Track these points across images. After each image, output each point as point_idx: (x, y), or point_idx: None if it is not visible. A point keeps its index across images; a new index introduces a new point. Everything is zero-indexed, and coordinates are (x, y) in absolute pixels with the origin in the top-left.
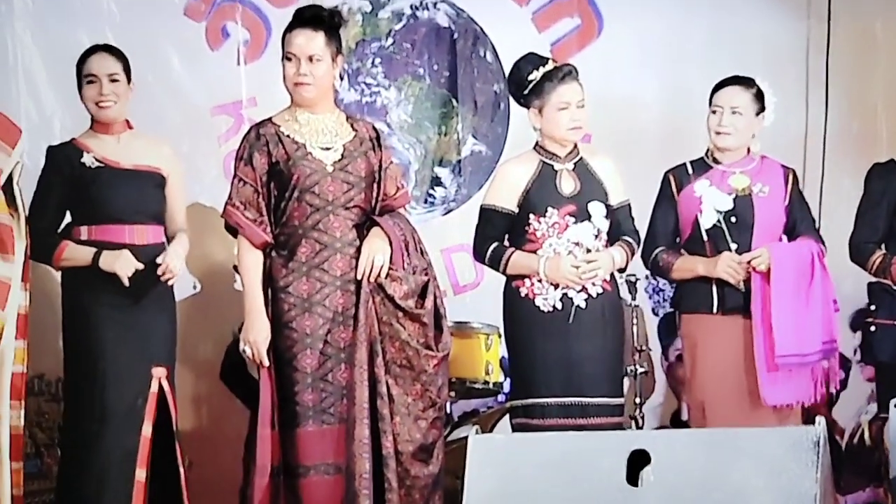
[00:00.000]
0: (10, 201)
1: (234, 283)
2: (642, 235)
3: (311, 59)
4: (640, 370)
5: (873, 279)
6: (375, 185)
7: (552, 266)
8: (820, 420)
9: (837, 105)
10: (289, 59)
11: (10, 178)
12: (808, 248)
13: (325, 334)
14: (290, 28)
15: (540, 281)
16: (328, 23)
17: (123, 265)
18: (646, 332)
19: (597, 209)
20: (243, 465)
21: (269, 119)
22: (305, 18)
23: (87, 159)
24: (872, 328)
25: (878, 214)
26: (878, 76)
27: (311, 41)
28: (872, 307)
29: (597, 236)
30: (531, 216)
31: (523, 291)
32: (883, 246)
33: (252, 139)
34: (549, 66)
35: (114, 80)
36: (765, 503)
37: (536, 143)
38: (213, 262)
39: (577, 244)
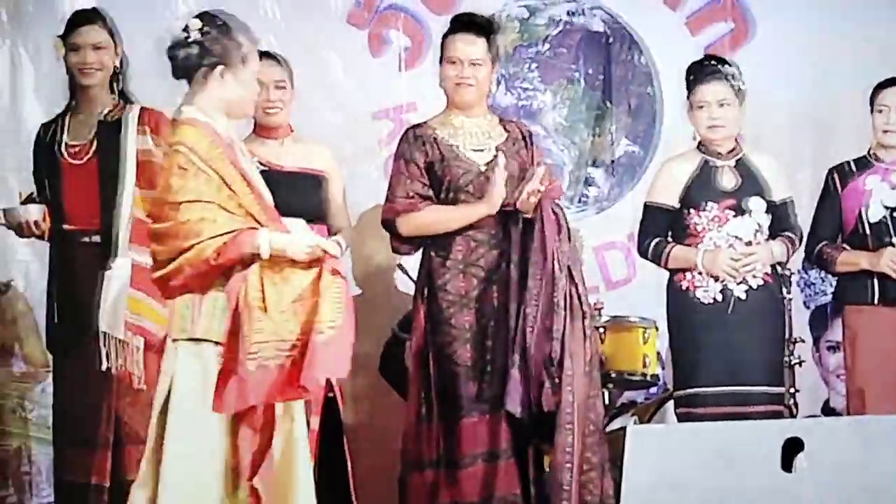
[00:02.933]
0: None
1: (393, 282)
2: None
3: (472, 63)
4: (795, 361)
5: None
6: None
7: (710, 258)
8: None
9: None
10: (451, 63)
11: None
12: None
13: (482, 328)
14: (451, 32)
15: (700, 274)
16: (488, 30)
17: None
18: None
19: (757, 205)
20: (401, 456)
21: (425, 122)
22: (467, 24)
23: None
24: None
25: None
26: None
27: (474, 46)
28: None
29: (757, 231)
30: (691, 210)
31: (684, 284)
32: None
33: (410, 139)
34: (702, 65)
35: (280, 87)
36: None
37: (699, 142)
38: (373, 262)
39: (736, 238)
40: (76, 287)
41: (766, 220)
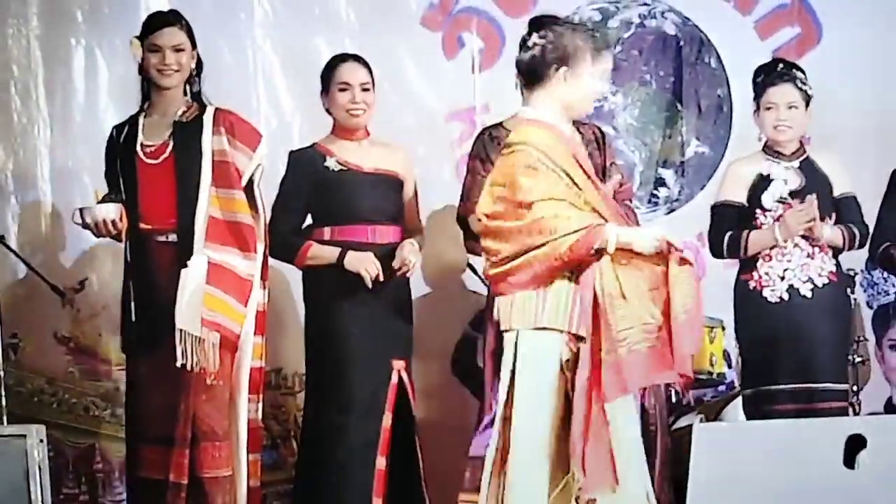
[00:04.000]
0: (251, 202)
1: (463, 281)
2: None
3: None
4: (858, 359)
5: None
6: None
7: (784, 228)
8: None
9: None
10: None
11: (250, 181)
12: None
13: None
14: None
15: (767, 273)
16: None
17: (369, 266)
18: (862, 323)
19: (778, 169)
20: None
21: (500, 123)
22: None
23: (331, 163)
24: None
25: None
26: None
27: None
28: None
29: (787, 193)
30: (757, 211)
31: (751, 284)
32: None
33: (486, 140)
34: (770, 68)
35: (365, 90)
36: None
37: (764, 144)
38: (444, 262)
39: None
40: (152, 286)
41: (786, 176)
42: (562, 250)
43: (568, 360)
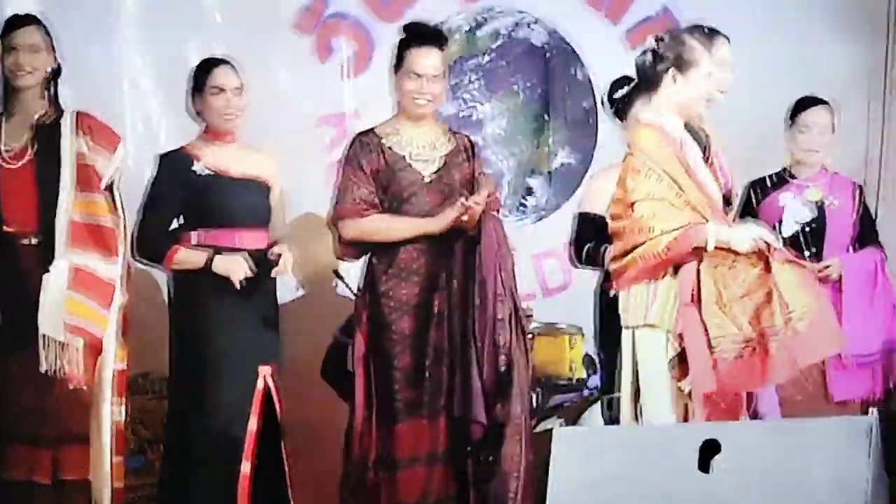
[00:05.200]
0: (112, 205)
1: (335, 286)
2: None
3: (432, 77)
4: None
5: None
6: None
7: None
8: (873, 411)
9: None
10: (412, 78)
11: (111, 183)
12: (873, 257)
13: (422, 334)
14: (410, 45)
15: None
16: (442, 41)
17: (237, 269)
18: None
19: None
20: (343, 458)
21: (372, 129)
22: (424, 36)
23: (198, 167)
24: None
25: None
26: None
27: (433, 60)
28: None
29: None
30: None
31: (612, 292)
32: None
33: (357, 147)
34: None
35: (237, 94)
36: (823, 487)
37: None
38: (316, 266)
39: None
40: (19, 287)
41: None
42: (659, 248)
43: (673, 358)
